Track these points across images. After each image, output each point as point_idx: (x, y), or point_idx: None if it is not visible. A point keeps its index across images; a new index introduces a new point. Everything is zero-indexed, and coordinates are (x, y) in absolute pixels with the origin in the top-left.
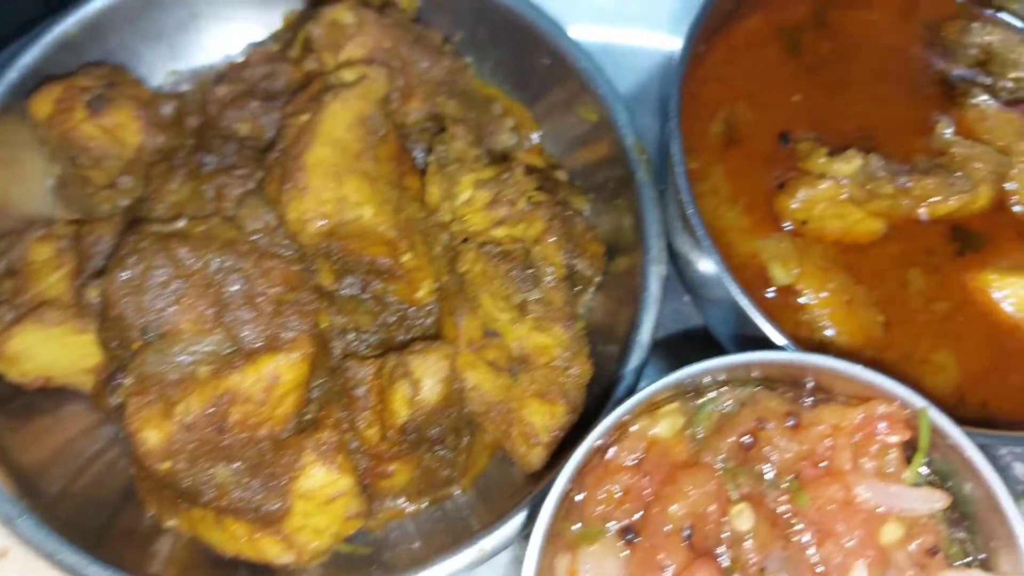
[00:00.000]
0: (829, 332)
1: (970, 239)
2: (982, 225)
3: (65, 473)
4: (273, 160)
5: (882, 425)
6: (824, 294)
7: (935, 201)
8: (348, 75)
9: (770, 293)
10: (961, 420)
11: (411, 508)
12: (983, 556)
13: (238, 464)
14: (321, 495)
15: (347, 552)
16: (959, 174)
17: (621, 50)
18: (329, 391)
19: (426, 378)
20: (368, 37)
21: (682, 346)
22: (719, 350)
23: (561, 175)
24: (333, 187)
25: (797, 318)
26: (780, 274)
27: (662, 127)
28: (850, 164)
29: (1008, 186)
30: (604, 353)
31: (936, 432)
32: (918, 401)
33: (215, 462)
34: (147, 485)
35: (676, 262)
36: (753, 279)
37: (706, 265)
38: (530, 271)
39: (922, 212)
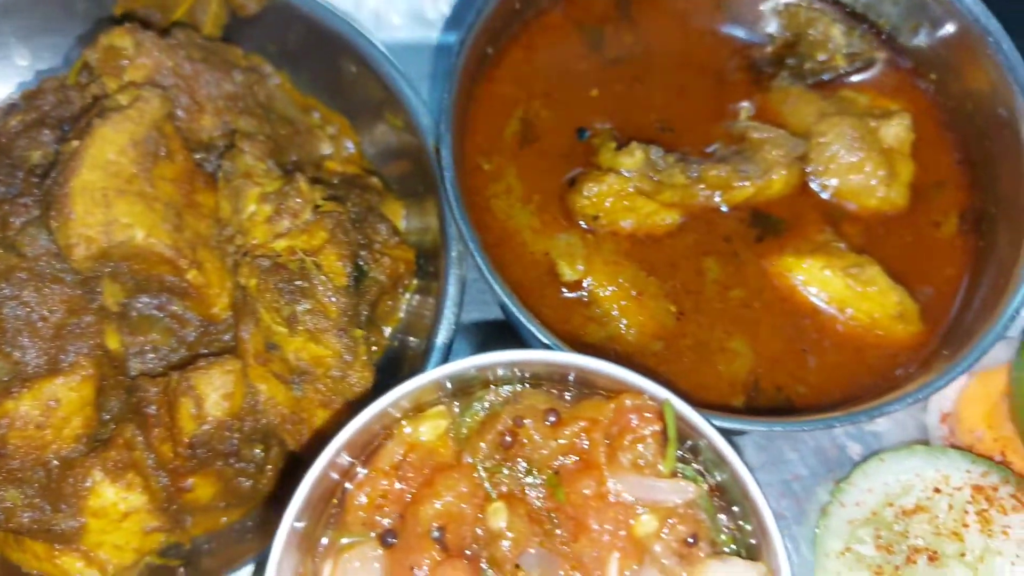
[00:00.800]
0: (621, 325)
1: (770, 224)
2: (784, 210)
3: None
4: (47, 188)
5: (633, 417)
6: (612, 288)
7: (731, 189)
8: (123, 99)
9: (565, 290)
10: (755, 406)
11: (225, 519)
12: (753, 542)
13: (26, 487)
14: (114, 512)
15: (159, 564)
16: (752, 160)
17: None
18: (123, 410)
19: (210, 393)
20: (148, 59)
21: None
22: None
23: (376, 182)
24: (101, 211)
25: (588, 313)
26: (567, 271)
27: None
28: (633, 157)
29: (810, 168)
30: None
31: (691, 427)
32: (661, 393)
33: (3, 486)
34: None
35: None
36: (544, 277)
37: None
38: (299, 283)
39: (719, 201)
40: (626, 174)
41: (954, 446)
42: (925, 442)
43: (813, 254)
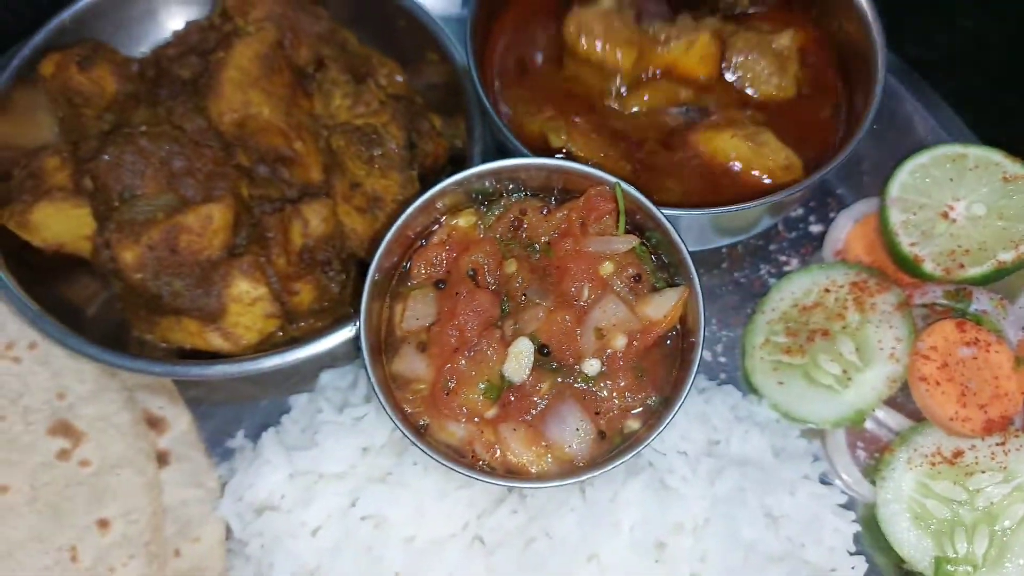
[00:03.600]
0: None
1: (698, 109)
2: (709, 100)
3: (80, 311)
4: (202, 84)
5: (598, 200)
6: (586, 152)
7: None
8: (251, 28)
9: (558, 156)
10: None
11: (320, 323)
12: (678, 281)
13: (188, 279)
14: (245, 298)
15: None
16: None
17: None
18: (251, 237)
19: (312, 217)
20: (265, 5)
21: None
22: None
23: (419, 100)
24: (240, 94)
25: None
26: (554, 140)
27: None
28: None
29: (725, 67)
30: None
31: (634, 202)
32: (611, 179)
33: (172, 276)
34: (131, 310)
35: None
36: (541, 147)
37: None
38: (375, 137)
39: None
40: None
41: None
42: None
43: (726, 127)
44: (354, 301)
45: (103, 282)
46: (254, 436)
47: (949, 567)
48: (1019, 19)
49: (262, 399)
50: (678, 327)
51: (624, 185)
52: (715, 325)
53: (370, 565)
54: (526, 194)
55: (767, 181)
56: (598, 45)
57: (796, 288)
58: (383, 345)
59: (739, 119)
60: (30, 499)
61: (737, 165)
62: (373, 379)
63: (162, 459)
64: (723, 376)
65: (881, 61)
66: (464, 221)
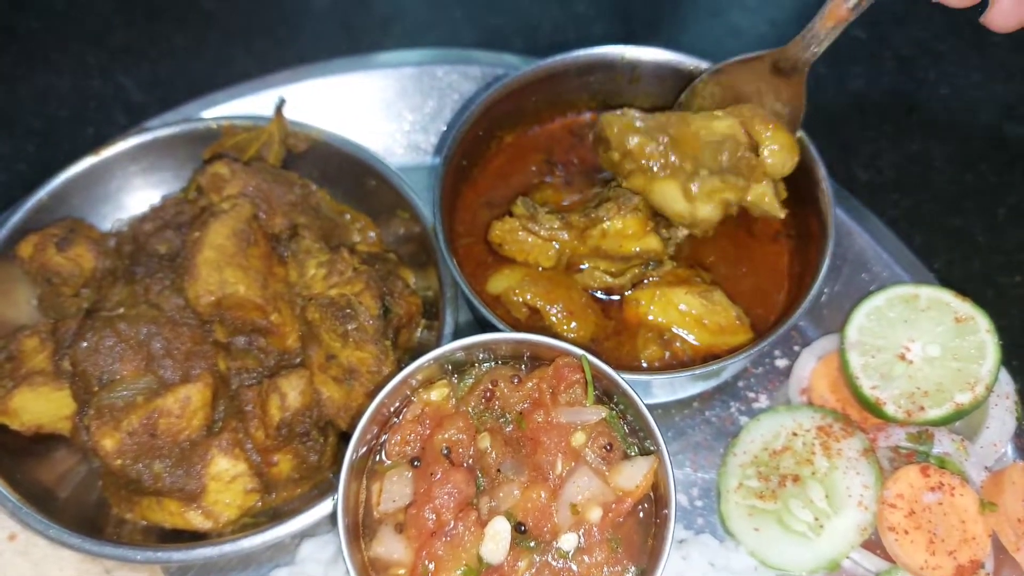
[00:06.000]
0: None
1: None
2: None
3: (57, 493)
4: (179, 263)
5: (566, 371)
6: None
7: None
8: (225, 205)
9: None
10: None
11: (299, 491)
12: (649, 446)
13: (167, 460)
14: (225, 476)
15: (251, 522)
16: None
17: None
18: (229, 411)
19: (289, 391)
20: (239, 180)
21: None
22: None
23: (392, 257)
24: (216, 275)
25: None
26: (515, 311)
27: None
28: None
29: None
30: None
31: (600, 372)
32: (578, 352)
33: (152, 459)
34: (111, 490)
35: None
36: (505, 312)
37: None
38: (349, 311)
39: None
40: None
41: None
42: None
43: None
44: (333, 466)
45: (82, 456)
46: None
47: None
48: (962, 140)
49: (243, 571)
50: (651, 495)
51: (590, 358)
52: (689, 467)
53: None
54: (497, 362)
55: (716, 333)
56: (518, 253)
57: (765, 431)
58: (361, 526)
59: (692, 278)
60: None
61: (687, 334)
62: (351, 569)
63: None
64: (700, 522)
65: (832, 224)
66: (437, 395)
